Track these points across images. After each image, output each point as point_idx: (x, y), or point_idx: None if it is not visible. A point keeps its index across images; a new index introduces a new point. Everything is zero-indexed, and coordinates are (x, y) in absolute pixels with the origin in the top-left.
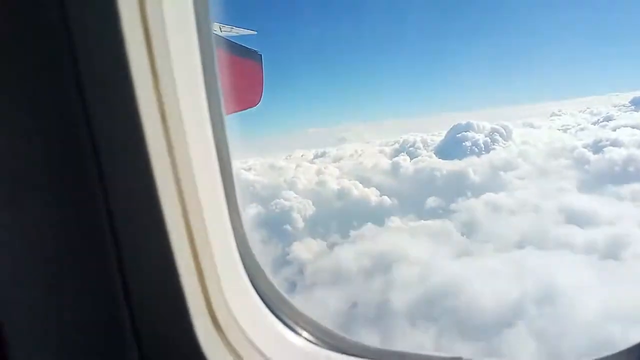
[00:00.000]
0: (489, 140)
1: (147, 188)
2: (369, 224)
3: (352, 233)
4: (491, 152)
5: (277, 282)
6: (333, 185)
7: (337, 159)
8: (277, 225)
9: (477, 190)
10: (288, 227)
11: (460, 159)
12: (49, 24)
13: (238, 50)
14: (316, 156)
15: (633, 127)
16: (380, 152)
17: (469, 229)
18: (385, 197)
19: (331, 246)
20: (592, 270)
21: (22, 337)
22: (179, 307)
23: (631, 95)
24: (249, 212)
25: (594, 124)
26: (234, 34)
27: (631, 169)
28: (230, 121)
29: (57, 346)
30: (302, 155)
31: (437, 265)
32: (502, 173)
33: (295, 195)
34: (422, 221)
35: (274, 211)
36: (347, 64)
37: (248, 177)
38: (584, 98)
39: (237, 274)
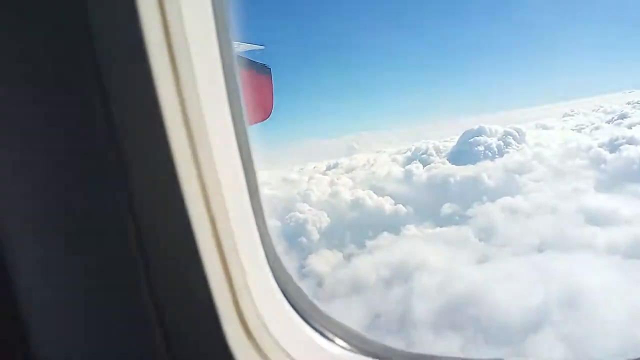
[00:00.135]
0: (502, 144)
1: (174, 195)
2: (385, 233)
3: (368, 243)
4: (505, 155)
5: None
6: (347, 195)
7: (349, 170)
8: (292, 238)
9: (493, 195)
10: (303, 239)
11: (473, 164)
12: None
13: (248, 65)
14: (328, 167)
15: None
16: (393, 160)
17: (487, 234)
18: (400, 206)
19: (348, 257)
20: (616, 271)
21: (47, 338)
22: (209, 314)
23: None
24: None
25: (608, 122)
26: (242, 49)
27: None
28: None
29: (82, 346)
30: (314, 167)
31: (457, 272)
32: (517, 176)
33: (310, 208)
34: (439, 228)
35: (288, 224)
36: (354, 73)
37: (265, 192)
38: (597, 97)
39: (266, 280)
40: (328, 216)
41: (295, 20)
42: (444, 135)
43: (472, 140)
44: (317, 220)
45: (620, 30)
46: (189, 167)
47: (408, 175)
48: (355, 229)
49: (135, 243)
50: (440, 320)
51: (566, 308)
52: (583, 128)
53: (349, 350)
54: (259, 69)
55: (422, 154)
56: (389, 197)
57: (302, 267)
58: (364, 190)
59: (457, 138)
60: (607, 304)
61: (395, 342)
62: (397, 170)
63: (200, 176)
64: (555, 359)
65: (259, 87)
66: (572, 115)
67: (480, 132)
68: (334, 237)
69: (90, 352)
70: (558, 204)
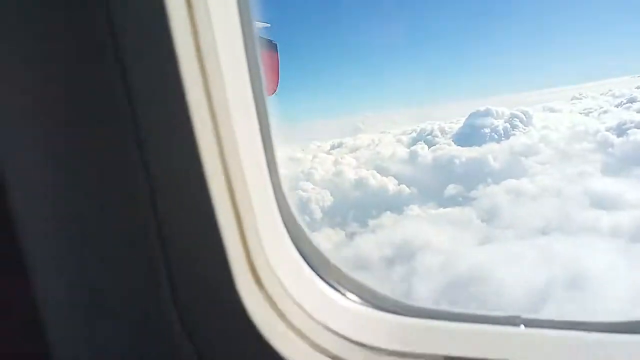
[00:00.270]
0: (509, 126)
1: (187, 142)
2: (388, 212)
3: (371, 222)
4: (511, 138)
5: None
6: (350, 175)
7: (353, 149)
8: None
9: (498, 177)
10: (306, 218)
11: (479, 146)
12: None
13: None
14: (333, 147)
15: None
16: (397, 141)
17: (490, 216)
18: (404, 186)
19: (350, 236)
20: (621, 255)
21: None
22: (219, 264)
23: None
24: None
25: (617, 106)
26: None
27: None
28: None
29: (90, 295)
30: (318, 146)
31: (460, 253)
32: (523, 159)
33: (313, 187)
34: (442, 209)
35: (291, 202)
36: (360, 53)
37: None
38: (606, 80)
39: (278, 232)
40: (331, 195)
41: (299, 2)
42: (450, 117)
43: (478, 122)
44: (320, 199)
45: (631, 13)
46: (204, 115)
47: (413, 156)
48: (358, 209)
49: (147, 191)
50: (442, 300)
51: (569, 290)
52: (591, 112)
53: (360, 303)
54: (266, 45)
55: (428, 134)
56: (392, 178)
57: None
58: (367, 170)
59: (463, 120)
60: (611, 287)
61: None
62: (402, 151)
63: (214, 125)
64: (570, 317)
65: (265, 63)
66: (581, 99)
67: (486, 114)
68: (336, 216)
69: (106, 349)
70: (563, 187)
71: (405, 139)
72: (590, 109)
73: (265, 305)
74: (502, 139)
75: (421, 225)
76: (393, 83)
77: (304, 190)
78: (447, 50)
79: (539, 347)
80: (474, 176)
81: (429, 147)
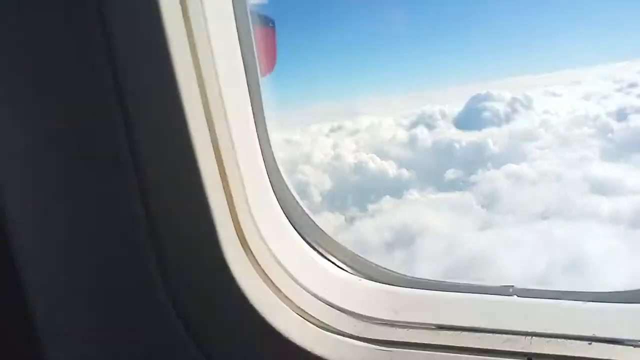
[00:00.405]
0: (509, 110)
1: (173, 107)
2: (387, 197)
3: (370, 207)
4: (511, 122)
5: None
6: (349, 158)
7: (353, 133)
8: None
9: (498, 161)
10: (305, 201)
11: (479, 130)
12: None
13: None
14: (332, 130)
15: None
16: (397, 124)
17: (490, 200)
18: (404, 170)
19: (350, 220)
20: (620, 240)
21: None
22: (206, 228)
23: None
24: None
25: (617, 91)
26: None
27: None
28: None
29: (74, 256)
30: (317, 129)
31: (460, 237)
32: (523, 143)
33: (312, 170)
34: (442, 194)
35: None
36: (360, 35)
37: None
38: (607, 65)
39: (267, 196)
40: (330, 178)
41: None
42: (451, 100)
43: (479, 105)
44: (318, 182)
45: None
46: (189, 73)
47: (412, 139)
48: (357, 192)
49: (128, 151)
50: None
51: (569, 275)
52: (592, 96)
53: (351, 273)
54: (262, 22)
55: (428, 118)
56: (392, 161)
57: None
58: (367, 153)
59: (463, 103)
60: (610, 272)
61: None
62: (402, 134)
63: (200, 85)
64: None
65: (261, 40)
66: (581, 83)
67: (487, 97)
68: (335, 200)
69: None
70: (563, 172)
71: (405, 122)
72: (591, 93)
73: (253, 272)
74: (503, 123)
75: (421, 210)
76: (394, 66)
77: (302, 174)
78: (448, 32)
79: (531, 316)
80: (474, 160)
81: (429, 131)
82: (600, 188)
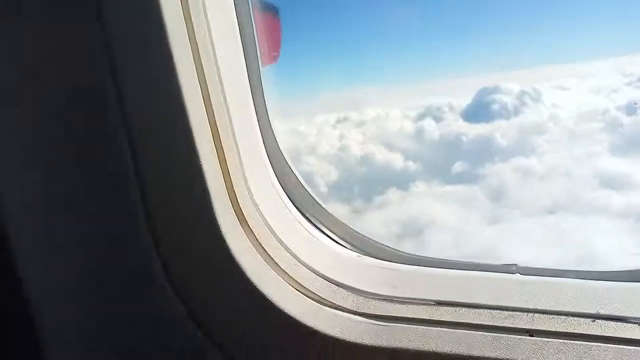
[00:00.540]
0: (518, 103)
1: (169, 83)
2: (394, 189)
3: (377, 198)
4: (520, 115)
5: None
6: (356, 150)
7: (359, 124)
8: None
9: (506, 155)
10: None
11: (487, 123)
12: None
13: (255, 4)
14: (338, 121)
15: None
16: (404, 116)
17: (498, 194)
18: (410, 162)
19: (356, 212)
20: (630, 235)
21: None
22: (202, 202)
23: None
24: None
25: (627, 85)
26: None
27: None
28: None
29: (64, 239)
30: (323, 120)
31: (468, 230)
32: (531, 137)
33: (317, 161)
34: (449, 186)
35: None
36: (369, 25)
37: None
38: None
39: (265, 171)
40: (336, 170)
41: None
42: (459, 92)
43: (487, 98)
44: (324, 173)
45: None
46: (187, 55)
47: (419, 131)
48: (363, 184)
49: (124, 130)
50: None
51: (578, 269)
52: (601, 90)
53: (350, 249)
54: (266, 9)
55: (435, 110)
56: (398, 153)
57: None
58: (373, 145)
59: (472, 95)
60: (621, 267)
61: None
62: (409, 126)
63: (198, 66)
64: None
65: (265, 27)
66: (591, 77)
67: (496, 90)
68: (341, 191)
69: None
70: (572, 166)
71: (412, 113)
72: (601, 87)
73: (252, 248)
74: (511, 116)
75: (428, 203)
76: (402, 55)
77: (308, 164)
78: (457, 23)
79: (534, 294)
80: (482, 153)
81: (436, 123)
82: (610, 182)
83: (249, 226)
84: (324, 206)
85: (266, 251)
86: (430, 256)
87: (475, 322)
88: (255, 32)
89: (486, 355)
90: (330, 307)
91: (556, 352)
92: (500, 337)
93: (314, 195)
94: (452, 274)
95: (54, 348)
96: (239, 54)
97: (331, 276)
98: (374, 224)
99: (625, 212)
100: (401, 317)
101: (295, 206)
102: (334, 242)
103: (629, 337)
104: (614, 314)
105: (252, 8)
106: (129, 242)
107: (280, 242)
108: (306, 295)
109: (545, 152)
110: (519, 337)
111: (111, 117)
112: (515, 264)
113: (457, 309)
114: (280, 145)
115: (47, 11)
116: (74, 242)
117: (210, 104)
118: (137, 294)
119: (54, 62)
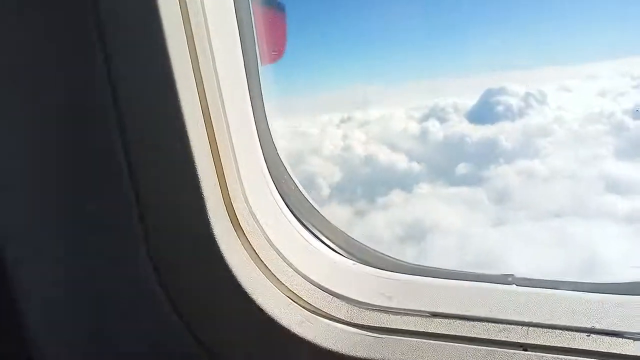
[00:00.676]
0: (523, 105)
1: (165, 81)
2: (397, 190)
3: (380, 200)
4: (525, 117)
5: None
6: (359, 150)
7: (363, 124)
8: None
9: (510, 157)
10: (313, 193)
11: (492, 124)
12: None
13: (258, 1)
14: (342, 121)
15: None
16: (409, 116)
17: (502, 196)
18: (414, 163)
19: (359, 213)
20: (636, 239)
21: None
22: (196, 207)
23: None
24: None
25: (634, 88)
26: None
27: None
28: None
29: (56, 243)
30: (327, 120)
31: (472, 233)
32: (536, 139)
33: (321, 161)
34: (453, 188)
35: (298, 177)
36: (373, 25)
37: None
38: (624, 60)
39: (261, 176)
40: (339, 170)
41: None
42: (464, 93)
43: (492, 100)
44: (328, 174)
45: None
46: (183, 52)
47: (424, 132)
48: (366, 185)
49: (117, 129)
50: None
51: (584, 274)
52: (607, 93)
53: (346, 257)
54: (271, 6)
55: (440, 111)
56: (402, 154)
57: None
58: (377, 145)
59: (477, 97)
60: (626, 272)
61: None
62: (413, 127)
63: (194, 63)
64: (565, 277)
65: (270, 25)
66: (597, 79)
67: (501, 91)
68: (344, 192)
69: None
70: (577, 169)
71: (416, 114)
72: (607, 89)
73: (246, 255)
74: (516, 117)
75: (431, 204)
76: (406, 56)
77: (311, 165)
78: (463, 22)
79: (529, 306)
80: (486, 155)
81: (440, 124)
82: (615, 186)
83: (244, 233)
84: (321, 212)
85: (260, 258)
86: (427, 265)
87: (470, 335)
88: (255, 33)
89: None
90: (324, 317)
91: None
92: (495, 351)
93: (311, 201)
94: (448, 284)
95: (45, 353)
96: (238, 56)
97: (326, 285)
98: (377, 225)
99: (631, 216)
100: (395, 329)
101: (291, 212)
102: (331, 250)
103: (624, 352)
104: (610, 329)
105: (252, 7)
106: (121, 246)
107: (275, 249)
108: (301, 305)
109: (550, 154)
110: (512, 351)
111: (105, 118)
112: (512, 275)
113: (452, 321)
114: (278, 149)
115: (40, 7)
116: (65, 245)
117: (207, 107)
118: (129, 299)
119: (48, 61)
